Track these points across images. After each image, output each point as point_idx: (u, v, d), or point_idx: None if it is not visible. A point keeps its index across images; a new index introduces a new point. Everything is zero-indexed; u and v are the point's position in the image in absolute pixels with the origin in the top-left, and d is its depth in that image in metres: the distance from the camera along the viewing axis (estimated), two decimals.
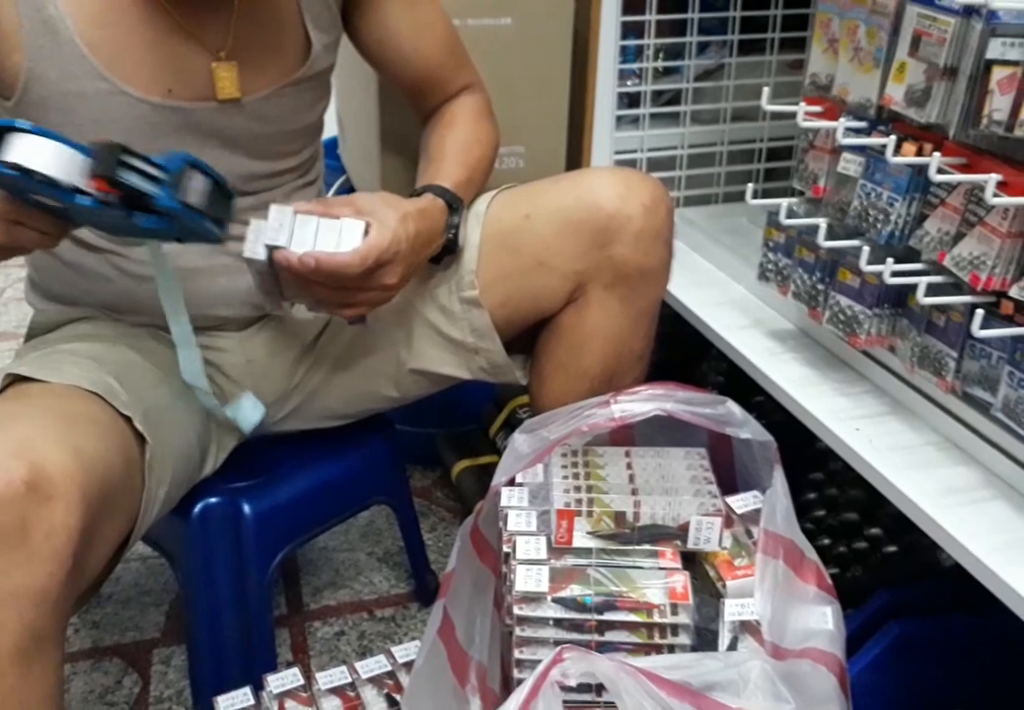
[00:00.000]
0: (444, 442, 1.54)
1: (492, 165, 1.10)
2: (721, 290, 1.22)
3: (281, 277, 0.90)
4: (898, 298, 0.94)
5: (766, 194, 1.41)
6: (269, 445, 1.14)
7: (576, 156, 1.35)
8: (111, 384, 0.92)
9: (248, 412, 1.03)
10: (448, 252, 1.02)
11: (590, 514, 0.87)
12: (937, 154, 0.82)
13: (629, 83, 1.33)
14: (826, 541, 1.18)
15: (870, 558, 1.14)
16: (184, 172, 0.78)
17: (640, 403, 0.88)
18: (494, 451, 1.46)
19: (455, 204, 1.00)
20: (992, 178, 0.78)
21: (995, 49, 0.80)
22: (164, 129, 0.93)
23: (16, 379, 0.90)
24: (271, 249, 0.86)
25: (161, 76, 0.92)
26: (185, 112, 0.94)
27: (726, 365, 1.14)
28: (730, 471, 0.98)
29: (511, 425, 1.45)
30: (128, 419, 0.90)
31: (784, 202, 1.01)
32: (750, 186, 1.03)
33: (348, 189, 1.51)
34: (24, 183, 0.75)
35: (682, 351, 1.39)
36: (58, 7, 0.87)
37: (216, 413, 1.02)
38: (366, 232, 0.87)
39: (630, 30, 1.29)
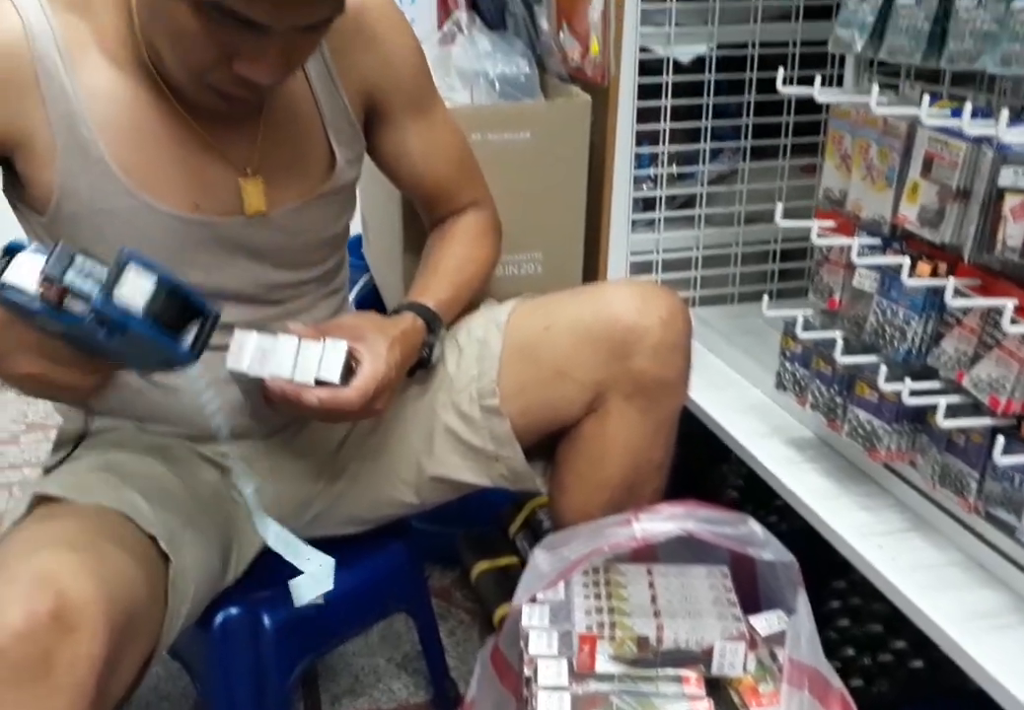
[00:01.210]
0: (463, 542, 1.53)
1: (484, 282, 1.14)
2: (738, 394, 1.23)
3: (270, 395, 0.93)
4: (917, 414, 0.93)
5: (781, 294, 1.44)
6: None
7: (593, 258, 1.37)
8: (136, 501, 0.92)
9: (308, 587, 1.02)
10: (420, 367, 1.05)
11: (612, 638, 0.86)
12: (952, 278, 0.83)
13: (644, 187, 1.36)
14: (850, 652, 1.16)
15: (896, 672, 1.11)
16: (123, 270, 0.74)
17: (661, 523, 0.88)
18: (514, 552, 1.45)
19: (434, 324, 1.04)
20: (1009, 304, 0.79)
21: (1007, 177, 0.81)
22: (192, 242, 0.96)
23: (43, 498, 0.91)
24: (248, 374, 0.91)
25: (189, 192, 0.94)
26: (213, 226, 0.96)
27: (746, 469, 1.14)
28: (753, 585, 0.97)
29: (531, 525, 1.45)
30: (152, 537, 0.90)
31: (800, 314, 1.02)
32: (765, 297, 1.04)
33: (372, 288, 1.53)
34: (14, 304, 0.75)
35: (701, 452, 1.39)
36: (90, 129, 0.90)
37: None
38: (348, 357, 0.92)
39: (644, 137, 1.32)
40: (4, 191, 0.97)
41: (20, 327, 0.79)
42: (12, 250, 0.76)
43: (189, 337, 0.78)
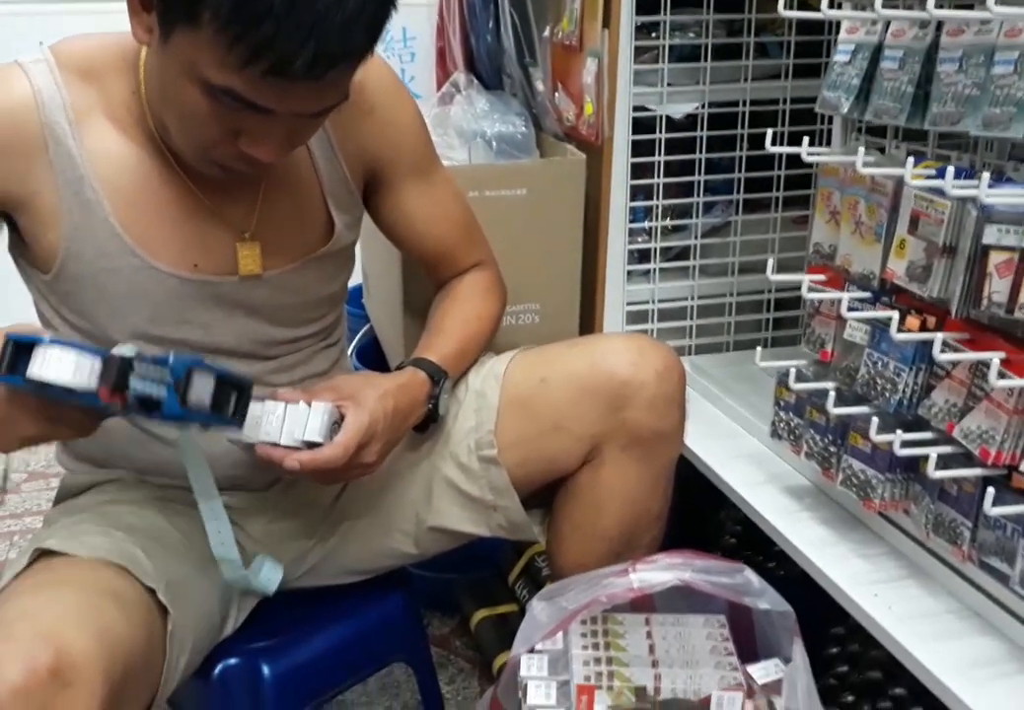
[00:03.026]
0: (462, 589, 1.53)
1: (490, 338, 1.15)
2: (734, 442, 1.24)
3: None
4: (910, 464, 0.95)
5: (775, 342, 1.46)
6: (288, 602, 1.13)
7: (590, 309, 1.39)
8: (136, 555, 0.93)
9: (269, 575, 1.03)
10: (431, 421, 1.05)
11: (611, 688, 0.87)
12: (940, 334, 0.85)
13: (639, 240, 1.39)
14: (850, 698, 1.17)
15: None
16: (191, 376, 0.81)
17: (658, 572, 0.90)
18: (513, 599, 1.45)
19: (437, 376, 1.04)
20: (996, 358, 0.81)
21: (991, 235, 0.83)
22: (191, 300, 0.98)
23: (44, 552, 0.92)
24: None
25: (188, 253, 0.97)
26: (211, 285, 0.98)
27: (743, 515, 1.15)
28: (750, 633, 0.98)
29: (530, 572, 1.45)
30: (151, 590, 0.91)
31: (792, 366, 1.04)
32: (759, 349, 1.06)
33: (372, 338, 1.55)
34: (48, 392, 0.78)
35: (699, 499, 1.40)
36: (95, 190, 0.93)
37: (240, 584, 1.02)
38: (336, 418, 0.93)
39: (639, 191, 1.35)
40: (8, 248, 0.99)
41: (26, 400, 0.81)
42: (26, 344, 0.77)
43: (230, 408, 0.85)
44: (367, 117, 1.03)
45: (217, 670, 1.06)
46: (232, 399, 0.85)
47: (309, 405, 0.93)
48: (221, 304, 0.99)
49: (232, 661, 1.07)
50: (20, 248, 0.98)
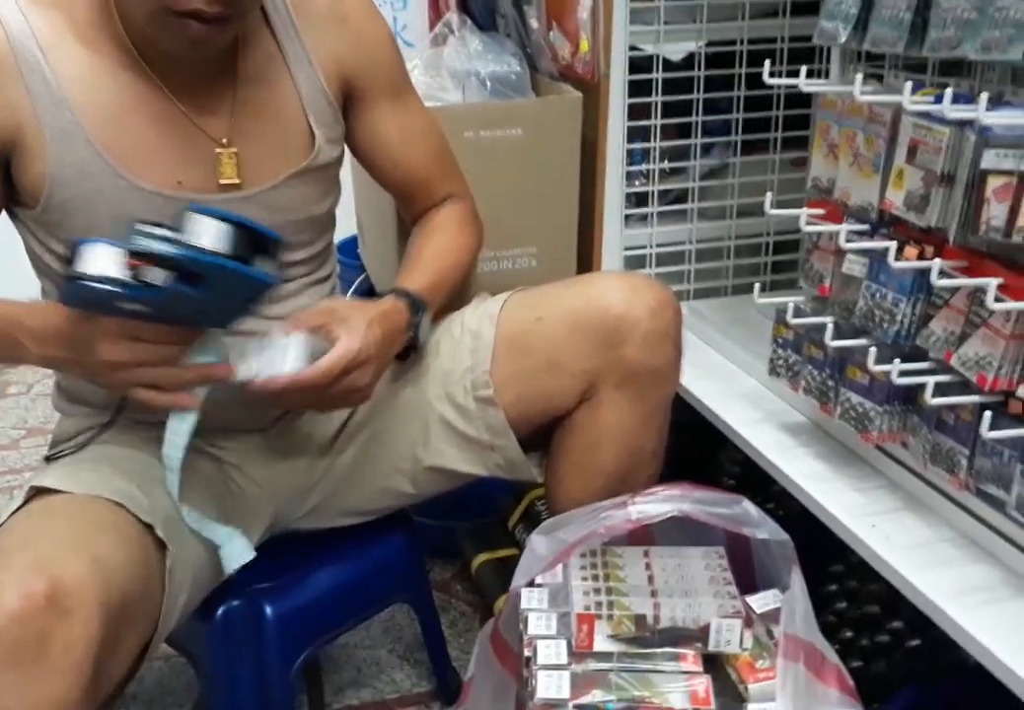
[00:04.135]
0: (463, 535, 1.54)
1: (468, 269, 1.16)
2: (733, 382, 1.24)
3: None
4: (908, 395, 0.95)
5: (774, 285, 1.45)
6: (290, 544, 1.15)
7: (587, 254, 1.39)
8: (132, 492, 0.94)
9: (236, 552, 0.99)
10: (412, 350, 1.06)
11: (610, 617, 0.87)
12: (938, 259, 0.85)
13: (637, 183, 1.38)
14: (848, 634, 1.18)
15: (894, 652, 1.13)
16: (195, 224, 0.80)
17: (657, 504, 0.90)
18: (513, 543, 1.46)
19: (417, 305, 1.04)
20: (992, 283, 0.80)
21: (989, 159, 0.82)
22: None
23: (40, 490, 0.93)
24: None
25: (171, 169, 0.97)
26: (196, 203, 0.97)
27: (743, 455, 1.15)
28: (749, 567, 0.99)
29: (529, 517, 1.46)
30: (149, 526, 0.91)
31: (790, 301, 1.03)
32: (757, 286, 1.06)
33: (368, 287, 1.55)
34: (99, 294, 0.80)
35: (698, 441, 1.40)
36: (73, 112, 0.93)
37: (204, 536, 0.99)
38: (323, 349, 0.93)
39: (636, 134, 1.34)
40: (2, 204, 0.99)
41: (96, 318, 0.85)
42: (75, 246, 0.80)
43: (265, 266, 0.84)
44: (340, 25, 1.04)
45: (219, 611, 1.07)
46: (256, 255, 0.83)
47: (288, 336, 0.92)
48: None
49: (234, 602, 1.08)
50: (10, 193, 0.97)
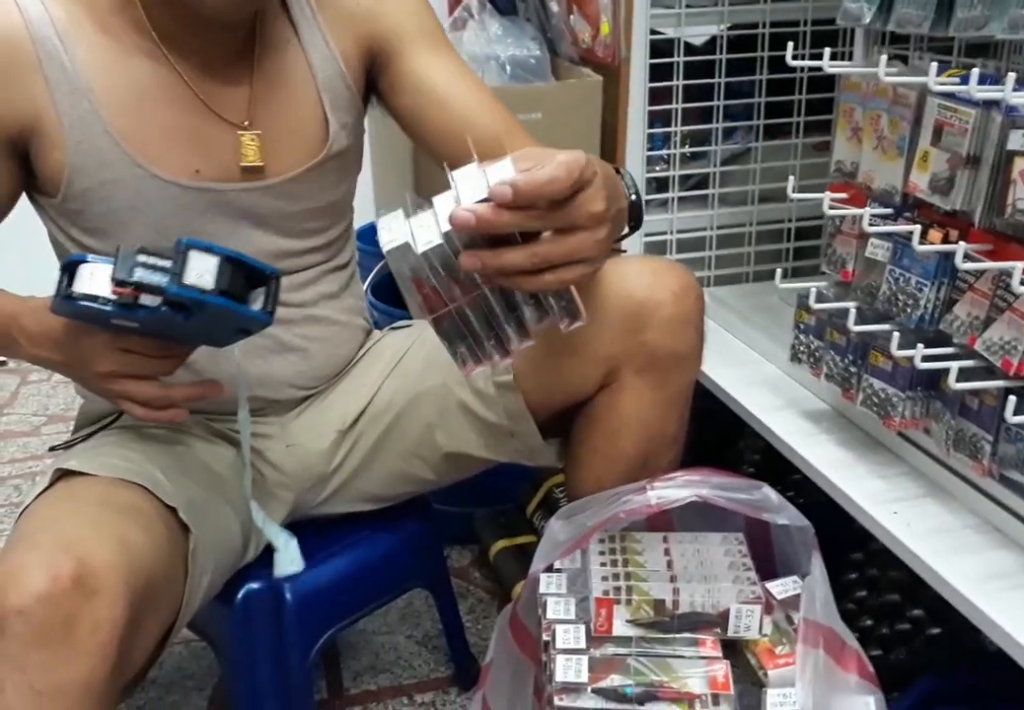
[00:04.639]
0: (481, 521, 1.54)
1: None
2: (754, 369, 1.23)
3: (460, 254, 0.71)
4: (931, 381, 0.94)
5: (795, 272, 1.44)
6: (309, 529, 1.15)
7: None
8: (156, 475, 0.94)
9: (289, 560, 1.05)
10: (634, 223, 0.93)
11: (629, 602, 0.87)
12: (963, 243, 0.84)
13: (658, 168, 1.37)
14: (868, 622, 1.17)
15: (914, 640, 1.12)
16: (187, 255, 0.78)
17: (676, 489, 0.89)
18: (531, 530, 1.46)
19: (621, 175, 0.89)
20: (1019, 266, 0.79)
21: (1016, 140, 0.82)
22: (196, 210, 0.97)
23: (64, 473, 0.93)
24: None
25: (189, 157, 0.96)
26: (214, 192, 0.97)
27: (763, 443, 1.14)
28: (769, 553, 0.98)
29: (548, 504, 1.46)
30: (172, 510, 0.92)
31: (813, 286, 1.02)
32: (779, 271, 1.05)
33: (387, 274, 1.55)
34: (90, 311, 0.80)
35: (719, 428, 1.40)
36: (91, 101, 0.92)
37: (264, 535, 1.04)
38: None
39: (657, 118, 1.33)
40: (25, 194, 0.99)
41: (91, 328, 0.84)
42: (72, 263, 0.80)
43: (259, 301, 0.83)
44: (357, 5, 1.02)
45: (240, 595, 1.07)
46: (255, 289, 0.82)
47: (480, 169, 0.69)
48: (225, 214, 0.99)
49: (254, 586, 1.08)
50: (31, 182, 0.97)
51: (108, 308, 0.79)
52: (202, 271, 0.78)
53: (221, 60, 0.96)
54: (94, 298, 0.79)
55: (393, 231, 0.71)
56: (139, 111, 0.94)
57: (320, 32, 1.01)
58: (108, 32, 0.94)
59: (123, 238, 0.96)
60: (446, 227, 0.69)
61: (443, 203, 0.70)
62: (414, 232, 0.71)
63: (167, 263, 0.79)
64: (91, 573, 0.76)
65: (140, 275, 0.78)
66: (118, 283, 0.78)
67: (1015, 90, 0.79)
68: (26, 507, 0.91)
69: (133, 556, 0.81)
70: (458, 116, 1.02)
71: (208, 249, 0.79)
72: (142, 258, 0.79)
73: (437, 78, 1.03)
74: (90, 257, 0.80)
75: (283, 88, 1.00)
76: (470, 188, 0.68)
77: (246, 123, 0.98)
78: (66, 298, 0.80)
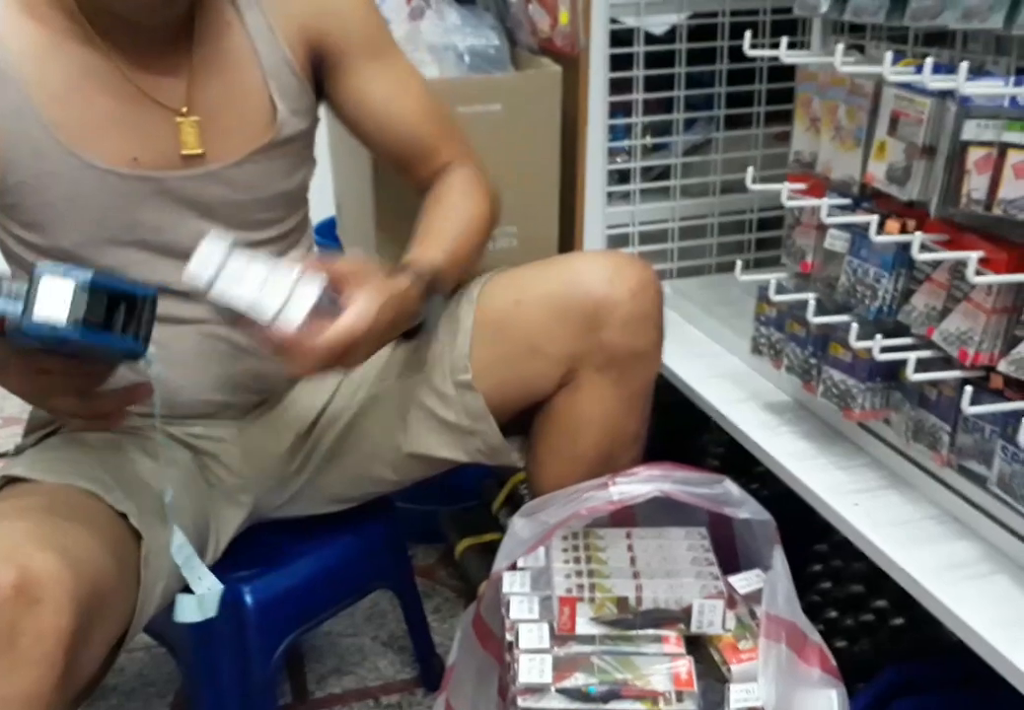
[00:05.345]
0: (446, 520, 1.53)
1: (485, 236, 1.08)
2: (716, 362, 1.23)
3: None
4: (891, 372, 0.94)
5: (758, 263, 1.44)
6: (269, 531, 1.13)
7: (569, 232, 1.37)
8: (105, 480, 0.92)
9: (189, 610, 0.97)
10: (418, 331, 1.00)
11: (592, 600, 0.86)
12: (919, 233, 0.84)
13: (619, 160, 1.36)
14: (833, 614, 1.17)
15: (878, 631, 1.12)
16: (36, 285, 0.73)
17: (638, 485, 0.89)
18: (497, 528, 1.45)
19: (431, 288, 0.97)
20: (973, 256, 0.79)
21: (970, 130, 0.81)
22: (136, 200, 0.94)
23: (11, 480, 0.91)
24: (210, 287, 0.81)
25: (125, 145, 0.93)
26: (154, 181, 0.95)
27: (726, 437, 1.14)
28: (732, 547, 0.98)
29: (513, 501, 1.45)
30: (123, 515, 0.90)
31: (772, 278, 1.02)
32: (739, 262, 1.05)
33: None
34: None
35: (683, 421, 1.39)
36: (20, 90, 0.90)
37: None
38: (330, 299, 0.83)
39: (618, 109, 1.32)
40: None
41: (8, 353, 0.81)
42: None
43: (131, 328, 0.77)
44: None
45: None
46: (120, 314, 0.76)
47: (296, 276, 0.81)
48: (169, 203, 0.96)
49: None
50: None
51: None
52: (55, 302, 0.73)
53: (157, 45, 0.94)
54: None
55: (207, 265, 0.80)
56: (72, 99, 0.91)
57: (265, 19, 0.98)
58: (39, 19, 0.91)
59: (62, 231, 0.94)
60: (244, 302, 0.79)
61: (252, 282, 0.80)
62: (223, 280, 0.80)
63: (21, 289, 0.74)
64: (33, 581, 0.74)
65: (1, 306, 0.74)
66: None
67: (968, 80, 0.78)
68: None
69: (79, 563, 0.79)
70: (393, 133, 1.07)
71: (65, 274, 0.74)
72: (5, 285, 0.74)
73: (375, 94, 1.05)
74: None
75: (224, 73, 0.97)
76: (272, 294, 0.79)
77: (184, 110, 0.95)
78: None
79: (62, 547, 0.78)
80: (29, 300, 0.73)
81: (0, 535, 0.78)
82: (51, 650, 0.74)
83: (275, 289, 0.80)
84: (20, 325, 0.73)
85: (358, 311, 0.84)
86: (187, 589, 0.99)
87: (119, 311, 0.76)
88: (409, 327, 0.98)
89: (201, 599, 0.96)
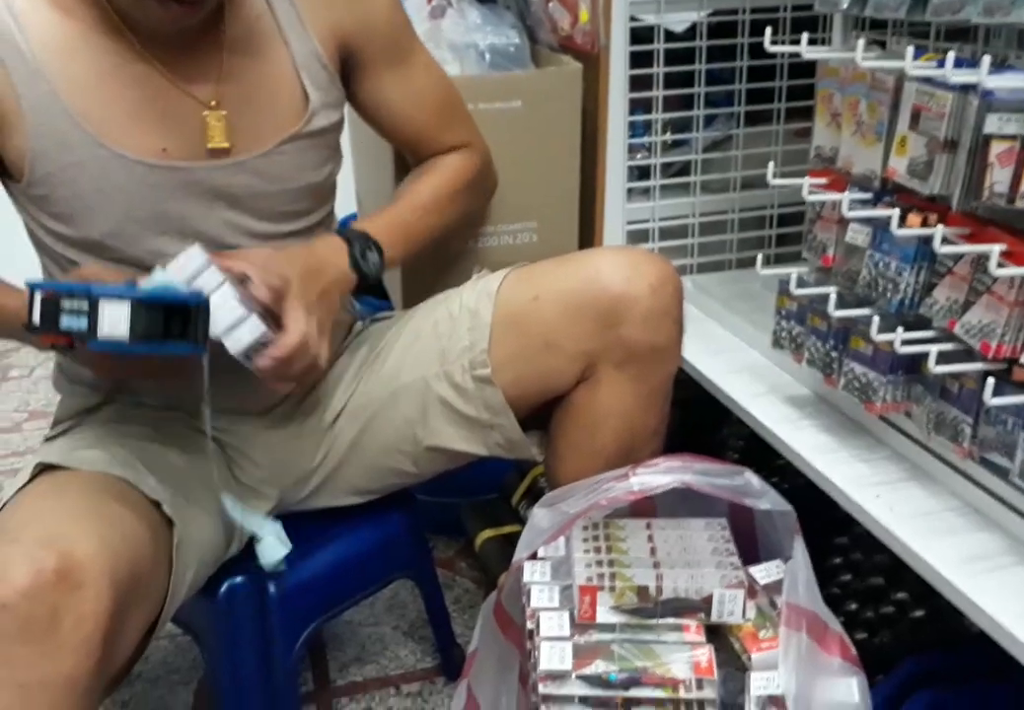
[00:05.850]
0: (467, 512, 1.54)
1: (448, 211, 1.14)
2: (736, 356, 1.23)
3: None
4: (912, 365, 0.94)
5: (778, 259, 1.44)
6: (292, 523, 1.14)
7: (589, 228, 1.38)
8: (138, 469, 0.93)
9: (271, 550, 1.03)
10: (366, 284, 1.04)
11: (612, 589, 0.87)
12: (941, 226, 0.84)
13: (639, 156, 1.36)
14: (853, 606, 1.18)
15: (898, 623, 1.13)
16: (96, 307, 0.78)
17: (658, 475, 0.89)
18: (517, 520, 1.46)
19: (358, 242, 1.02)
20: (995, 249, 0.79)
21: (992, 124, 0.81)
22: (164, 191, 0.95)
23: (45, 467, 0.92)
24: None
25: (154, 136, 0.94)
26: (183, 172, 0.95)
27: (747, 430, 1.14)
28: (752, 538, 0.98)
29: (533, 493, 1.46)
30: (156, 503, 0.91)
31: (794, 272, 1.02)
32: (760, 256, 1.05)
33: None
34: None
35: (703, 415, 1.40)
36: (50, 82, 0.90)
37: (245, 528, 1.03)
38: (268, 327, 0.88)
39: (638, 106, 1.32)
40: None
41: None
42: (30, 289, 0.79)
43: (189, 334, 0.82)
44: None
45: (223, 588, 1.07)
46: (177, 323, 0.81)
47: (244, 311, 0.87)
48: (197, 193, 0.97)
49: (238, 579, 1.08)
50: (1, 166, 0.96)
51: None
52: (116, 322, 0.78)
53: (190, 38, 0.94)
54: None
55: (184, 269, 0.86)
56: (99, 90, 0.92)
57: (296, 12, 0.99)
58: (65, 10, 0.92)
59: (90, 223, 0.95)
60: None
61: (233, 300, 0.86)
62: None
63: (83, 305, 0.78)
64: (75, 566, 0.75)
65: (67, 324, 0.78)
66: (45, 332, 0.78)
67: (990, 73, 0.79)
68: (6, 502, 0.90)
69: (117, 549, 0.80)
70: (408, 130, 1.13)
71: (119, 295, 0.79)
72: (66, 303, 0.78)
73: (394, 99, 1.11)
74: (39, 284, 0.79)
75: (256, 64, 0.98)
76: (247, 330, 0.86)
77: (213, 103, 0.96)
78: (26, 328, 0.79)
79: (100, 533, 0.79)
80: (93, 323, 0.78)
81: (40, 521, 0.80)
82: (90, 635, 0.75)
83: (228, 312, 0.86)
84: (86, 342, 0.79)
85: (292, 321, 0.90)
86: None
87: (175, 321, 0.81)
88: (347, 282, 1.01)
89: (277, 537, 1.01)
